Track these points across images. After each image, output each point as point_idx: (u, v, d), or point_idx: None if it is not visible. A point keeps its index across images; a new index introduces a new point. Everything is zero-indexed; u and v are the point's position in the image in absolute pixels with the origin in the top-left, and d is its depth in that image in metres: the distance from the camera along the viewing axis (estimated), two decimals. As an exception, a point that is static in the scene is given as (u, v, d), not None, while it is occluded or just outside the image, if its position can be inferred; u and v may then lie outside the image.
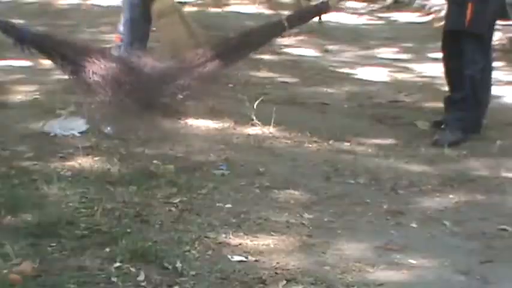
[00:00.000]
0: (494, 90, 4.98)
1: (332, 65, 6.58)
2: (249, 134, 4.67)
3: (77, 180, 3.85)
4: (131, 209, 3.54)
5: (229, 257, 3.17)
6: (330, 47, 7.27)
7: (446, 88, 5.00)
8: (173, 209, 3.59)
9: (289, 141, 4.61)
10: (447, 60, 4.89)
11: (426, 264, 3.23)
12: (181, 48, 4.96)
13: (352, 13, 9.10)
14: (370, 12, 9.25)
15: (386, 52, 7.23)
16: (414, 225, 3.61)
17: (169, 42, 5.05)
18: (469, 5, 4.60)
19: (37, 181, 3.78)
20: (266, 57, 6.63)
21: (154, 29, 5.25)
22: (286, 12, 5.94)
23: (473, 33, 4.68)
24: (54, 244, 3.18)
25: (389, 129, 4.94)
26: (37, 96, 5.16)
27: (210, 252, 3.20)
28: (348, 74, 6.30)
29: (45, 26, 7.52)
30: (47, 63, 6.01)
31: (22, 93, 5.24)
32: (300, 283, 3.00)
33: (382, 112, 5.24)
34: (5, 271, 2.94)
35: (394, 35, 8.04)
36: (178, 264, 3.05)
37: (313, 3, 9.17)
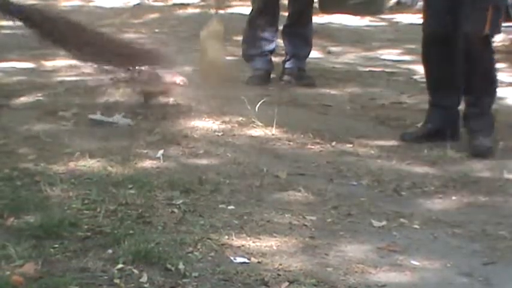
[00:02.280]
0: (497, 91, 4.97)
1: (335, 67, 6.58)
2: (251, 136, 4.67)
3: (80, 182, 3.85)
4: (134, 211, 3.54)
5: (232, 258, 3.17)
6: (333, 49, 7.28)
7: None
8: (176, 210, 3.59)
9: (291, 143, 4.61)
10: (471, 68, 4.65)
11: (428, 266, 3.23)
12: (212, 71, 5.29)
13: (355, 15, 9.10)
14: (373, 14, 9.25)
15: (389, 53, 7.23)
16: (416, 226, 3.61)
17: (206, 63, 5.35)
18: (490, 10, 4.54)
19: (40, 183, 3.78)
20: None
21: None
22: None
23: (491, 37, 4.66)
24: (56, 246, 3.18)
25: (392, 131, 4.94)
26: (40, 98, 5.17)
27: (212, 253, 3.20)
28: (350, 75, 6.30)
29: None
30: (49, 64, 6.05)
31: (25, 95, 5.24)
32: (303, 284, 3.00)
33: (384, 114, 5.24)
34: (7, 272, 2.94)
35: (396, 36, 8.05)
36: (181, 266, 3.05)
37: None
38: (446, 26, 4.65)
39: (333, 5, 5.40)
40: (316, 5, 7.06)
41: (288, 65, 5.80)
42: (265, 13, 5.77)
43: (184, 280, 2.98)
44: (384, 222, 3.62)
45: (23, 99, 5.17)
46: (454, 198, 3.97)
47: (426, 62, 4.87)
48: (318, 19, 8.79)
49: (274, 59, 6.00)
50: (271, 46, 5.84)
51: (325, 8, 5.55)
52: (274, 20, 5.81)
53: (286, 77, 5.78)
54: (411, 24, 8.67)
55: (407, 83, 6.20)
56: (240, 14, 8.61)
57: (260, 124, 4.77)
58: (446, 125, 4.76)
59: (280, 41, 6.16)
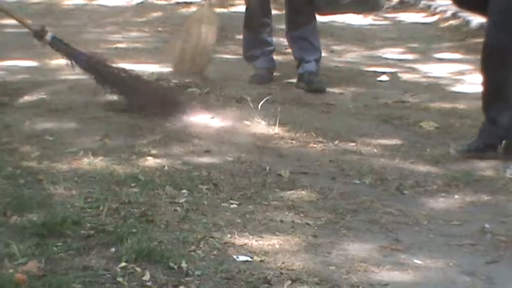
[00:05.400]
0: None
1: (337, 65, 6.58)
2: (254, 134, 4.67)
3: (83, 180, 3.86)
4: (136, 209, 3.54)
5: (235, 257, 3.18)
6: (336, 48, 7.27)
7: (452, 88, 4.96)
8: (178, 208, 3.60)
9: (294, 142, 4.61)
10: None
11: (431, 265, 3.23)
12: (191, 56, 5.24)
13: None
14: (376, 13, 9.24)
15: (392, 52, 7.23)
16: (419, 225, 3.61)
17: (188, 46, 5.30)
18: None
19: (43, 181, 3.79)
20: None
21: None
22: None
23: None
24: (59, 244, 3.19)
25: (394, 130, 4.94)
26: (43, 97, 5.17)
27: (215, 252, 3.21)
28: (353, 74, 6.30)
29: (51, 26, 7.54)
30: (53, 63, 6.05)
31: (28, 94, 5.24)
32: (305, 283, 3.00)
33: (387, 112, 5.24)
34: (11, 270, 2.95)
35: (399, 35, 8.04)
36: (184, 264, 3.06)
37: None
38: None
39: (327, 6, 5.38)
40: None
41: (299, 70, 5.77)
42: (261, 15, 5.77)
43: (187, 278, 2.99)
44: (387, 221, 3.62)
45: (26, 97, 5.17)
46: (456, 197, 3.97)
47: (484, 71, 4.49)
48: (320, 18, 8.79)
49: (276, 57, 6.00)
50: (272, 47, 5.86)
51: (320, 10, 5.52)
52: (268, 21, 5.82)
53: (298, 84, 5.73)
54: (414, 23, 8.67)
55: (410, 82, 6.19)
56: (242, 12, 8.62)
57: (263, 123, 4.77)
58: (499, 142, 4.47)
59: (281, 40, 6.17)
